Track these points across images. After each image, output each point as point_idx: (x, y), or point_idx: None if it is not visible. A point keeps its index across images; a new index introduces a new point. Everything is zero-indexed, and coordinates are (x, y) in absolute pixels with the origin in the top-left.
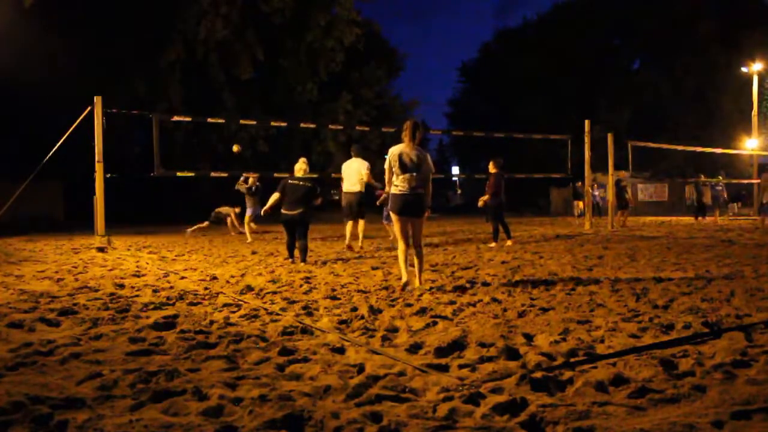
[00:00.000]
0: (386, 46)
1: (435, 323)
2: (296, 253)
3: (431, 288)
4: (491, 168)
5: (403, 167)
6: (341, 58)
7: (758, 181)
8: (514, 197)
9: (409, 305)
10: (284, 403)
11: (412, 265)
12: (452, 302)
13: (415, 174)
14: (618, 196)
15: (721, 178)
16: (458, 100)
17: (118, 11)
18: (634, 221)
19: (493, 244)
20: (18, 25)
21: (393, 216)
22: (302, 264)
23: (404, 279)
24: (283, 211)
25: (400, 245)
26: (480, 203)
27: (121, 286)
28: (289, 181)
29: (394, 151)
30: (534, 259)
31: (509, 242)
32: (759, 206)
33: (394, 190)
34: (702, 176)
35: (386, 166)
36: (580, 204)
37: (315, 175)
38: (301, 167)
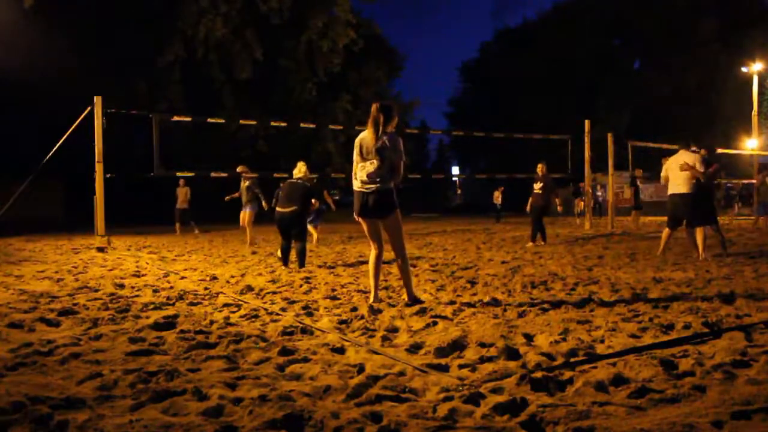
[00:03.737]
0: (386, 46)
1: (435, 323)
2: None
3: (431, 293)
4: (541, 170)
5: (361, 155)
6: (339, 59)
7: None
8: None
9: (409, 305)
10: (284, 403)
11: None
12: (452, 302)
13: (375, 162)
14: (634, 195)
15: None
16: (458, 100)
17: (117, 11)
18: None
19: (530, 244)
20: (18, 25)
21: (357, 218)
22: (301, 269)
23: (372, 298)
24: (276, 209)
25: (372, 250)
26: (527, 207)
27: (121, 286)
28: (289, 180)
29: (357, 139)
30: (534, 259)
31: (530, 244)
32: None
33: (354, 185)
34: None
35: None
36: (581, 203)
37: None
38: (300, 169)
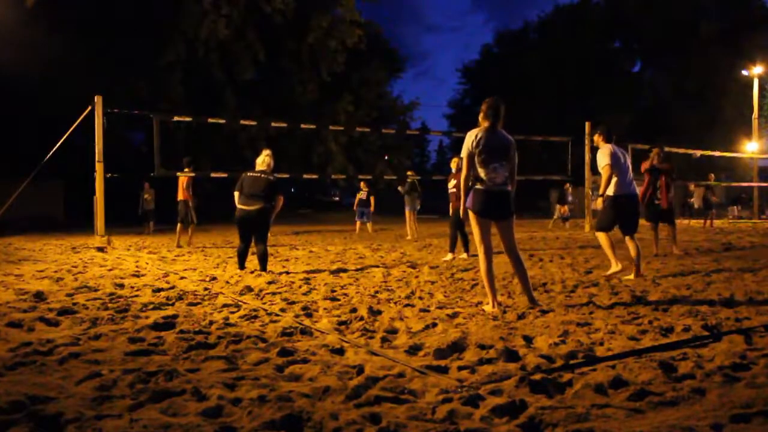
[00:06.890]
0: (387, 47)
1: (434, 325)
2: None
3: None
4: (456, 164)
5: (490, 156)
6: (342, 59)
7: (758, 184)
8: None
9: (409, 306)
10: (283, 404)
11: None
12: (452, 303)
13: (504, 164)
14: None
15: (710, 181)
16: (459, 101)
17: (119, 11)
18: None
19: (450, 256)
20: (19, 25)
21: (472, 218)
22: (264, 273)
23: (493, 307)
24: (238, 206)
25: (483, 257)
26: (450, 211)
27: (121, 286)
28: (249, 173)
29: (477, 134)
30: (533, 261)
31: (450, 256)
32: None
33: (477, 184)
34: (692, 185)
35: (464, 154)
36: (563, 209)
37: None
38: (264, 159)
